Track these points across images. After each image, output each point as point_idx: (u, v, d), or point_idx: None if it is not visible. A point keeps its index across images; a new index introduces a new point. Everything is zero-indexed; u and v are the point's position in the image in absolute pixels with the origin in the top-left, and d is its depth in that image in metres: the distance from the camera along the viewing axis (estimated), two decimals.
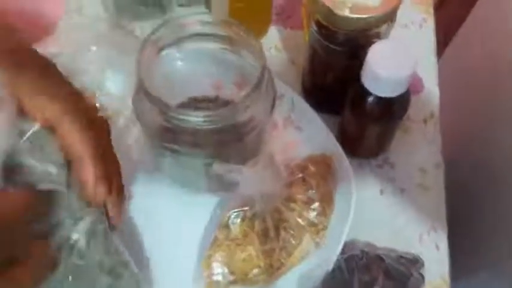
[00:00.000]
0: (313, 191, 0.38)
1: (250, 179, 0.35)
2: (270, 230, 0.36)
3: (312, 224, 0.38)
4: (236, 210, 0.37)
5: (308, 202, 0.38)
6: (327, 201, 0.39)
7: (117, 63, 0.40)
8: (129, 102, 0.36)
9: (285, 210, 0.37)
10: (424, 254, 0.40)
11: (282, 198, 0.37)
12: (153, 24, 0.46)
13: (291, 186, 0.38)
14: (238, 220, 0.37)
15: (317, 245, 0.38)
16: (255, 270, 0.36)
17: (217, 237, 0.37)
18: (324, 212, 0.38)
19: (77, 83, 0.34)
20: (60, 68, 0.32)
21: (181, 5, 0.50)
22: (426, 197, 0.43)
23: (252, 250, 0.36)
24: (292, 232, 0.37)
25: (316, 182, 0.38)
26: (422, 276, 0.37)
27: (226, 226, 0.37)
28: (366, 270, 0.36)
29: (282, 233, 0.37)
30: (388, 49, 0.36)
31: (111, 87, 0.38)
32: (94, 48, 0.39)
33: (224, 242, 0.37)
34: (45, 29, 0.43)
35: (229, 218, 0.37)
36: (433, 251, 0.41)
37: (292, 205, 0.37)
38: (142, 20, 0.47)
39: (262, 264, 0.36)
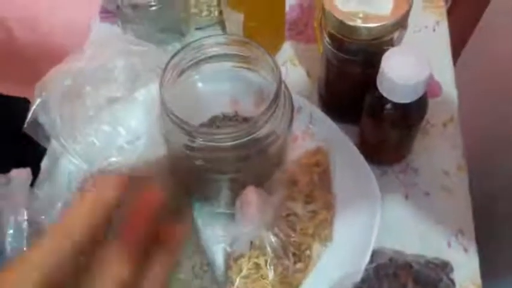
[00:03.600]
0: (308, 202, 0.37)
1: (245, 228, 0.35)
2: (278, 251, 0.36)
3: (317, 228, 0.38)
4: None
5: (304, 214, 0.37)
6: (324, 202, 0.38)
7: (142, 72, 0.42)
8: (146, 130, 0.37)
9: (286, 228, 0.37)
10: (453, 258, 0.40)
11: (280, 219, 0.37)
12: (172, 48, 0.48)
13: (287, 200, 0.37)
14: (246, 255, 0.36)
15: (325, 244, 0.39)
16: None
17: (230, 276, 0.37)
18: (324, 212, 0.38)
19: (107, 91, 0.35)
20: (90, 77, 0.34)
21: (198, 29, 0.52)
22: (451, 200, 0.43)
23: (266, 282, 0.36)
24: (300, 244, 0.37)
25: (308, 191, 0.38)
26: (453, 281, 0.36)
27: (236, 263, 0.37)
28: (394, 277, 0.36)
29: (291, 248, 0.37)
30: (401, 55, 0.36)
31: (129, 120, 0.40)
32: (121, 59, 0.42)
33: (237, 280, 0.36)
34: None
35: (236, 255, 0.37)
36: (462, 255, 0.40)
37: (292, 218, 0.37)
38: (162, 45, 0.49)
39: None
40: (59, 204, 0.35)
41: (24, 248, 0.33)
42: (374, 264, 0.37)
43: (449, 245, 0.41)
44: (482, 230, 0.43)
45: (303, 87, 0.50)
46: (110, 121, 0.42)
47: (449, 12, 0.54)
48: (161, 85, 0.33)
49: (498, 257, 0.49)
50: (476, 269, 0.40)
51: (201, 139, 0.33)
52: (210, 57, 0.38)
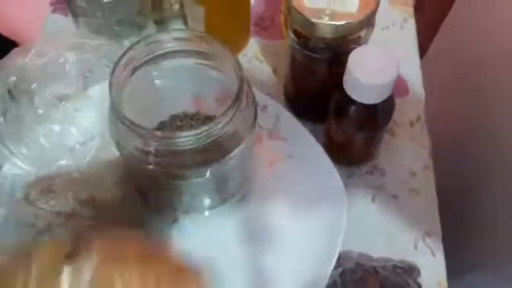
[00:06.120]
0: None
1: None
2: None
3: None
4: None
5: None
6: None
7: (96, 68, 0.40)
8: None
9: None
10: (420, 261, 0.39)
11: None
12: (129, 42, 0.45)
13: None
14: None
15: None
16: None
17: None
18: None
19: (57, 88, 0.33)
20: (38, 73, 0.32)
21: (157, 23, 0.49)
22: (418, 201, 0.42)
23: None
24: None
25: None
26: (419, 286, 0.36)
27: None
28: (361, 284, 0.35)
29: None
30: (368, 55, 0.35)
31: (81, 119, 0.37)
32: (72, 54, 0.39)
33: None
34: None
35: None
36: (428, 257, 0.40)
37: None
38: (118, 39, 0.46)
39: None
40: (1, 213, 0.32)
41: None
42: (340, 270, 0.36)
43: (416, 247, 0.40)
44: (448, 229, 0.42)
45: (269, 85, 0.48)
46: (60, 121, 0.39)
47: (416, 9, 0.53)
48: (111, 83, 0.31)
49: (463, 255, 0.50)
50: (443, 270, 0.40)
51: (155, 143, 0.30)
52: (168, 53, 0.35)
